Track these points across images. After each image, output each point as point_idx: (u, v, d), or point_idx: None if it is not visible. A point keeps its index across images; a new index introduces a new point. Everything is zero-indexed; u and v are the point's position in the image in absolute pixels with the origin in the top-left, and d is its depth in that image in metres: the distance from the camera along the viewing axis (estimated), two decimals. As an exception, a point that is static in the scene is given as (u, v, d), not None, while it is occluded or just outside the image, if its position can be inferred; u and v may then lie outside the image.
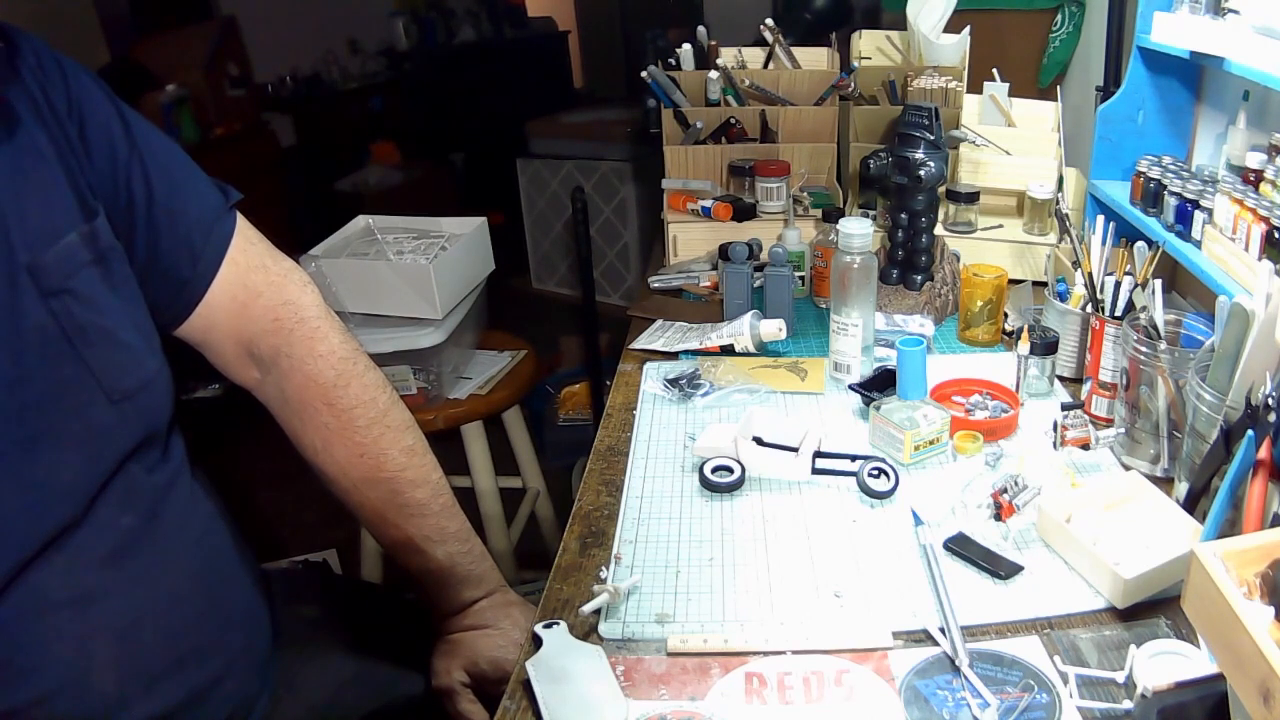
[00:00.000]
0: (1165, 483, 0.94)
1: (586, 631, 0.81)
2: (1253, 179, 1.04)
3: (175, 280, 0.84)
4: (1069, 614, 0.79)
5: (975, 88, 1.60)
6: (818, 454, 0.99)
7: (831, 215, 1.47)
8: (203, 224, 0.84)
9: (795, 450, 0.99)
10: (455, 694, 0.93)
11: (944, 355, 1.29)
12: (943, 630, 0.77)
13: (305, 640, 0.97)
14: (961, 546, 0.87)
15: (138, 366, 0.77)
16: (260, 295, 0.88)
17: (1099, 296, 1.11)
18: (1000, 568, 0.84)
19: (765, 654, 0.76)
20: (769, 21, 1.75)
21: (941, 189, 1.44)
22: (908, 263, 1.41)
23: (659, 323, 1.44)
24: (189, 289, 0.84)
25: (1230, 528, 0.74)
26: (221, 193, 0.87)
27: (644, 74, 1.67)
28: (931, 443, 1.02)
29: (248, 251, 0.88)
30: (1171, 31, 1.15)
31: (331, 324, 0.91)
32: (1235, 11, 1.02)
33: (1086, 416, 1.05)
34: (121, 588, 0.73)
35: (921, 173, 1.30)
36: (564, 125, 3.96)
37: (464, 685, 0.93)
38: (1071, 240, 1.15)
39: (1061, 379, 1.19)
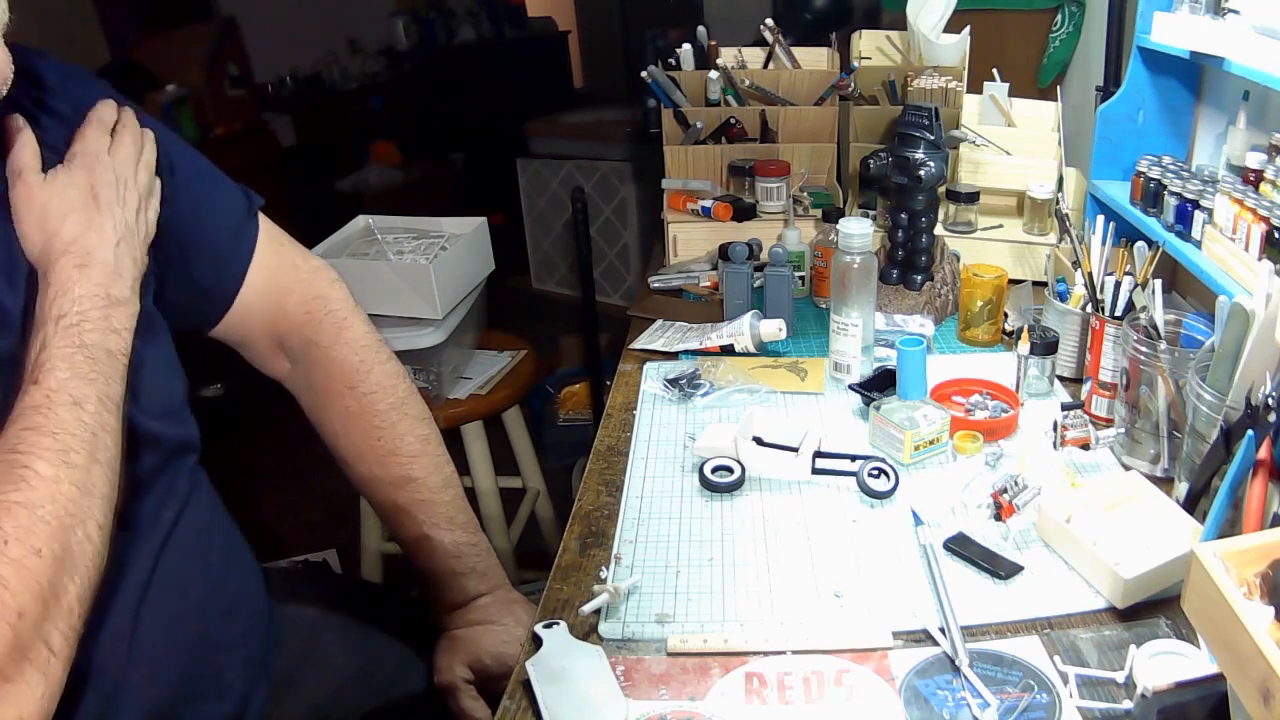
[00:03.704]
0: (1165, 483, 0.94)
1: (586, 631, 0.81)
2: (1253, 179, 1.04)
3: (203, 290, 0.89)
4: (1069, 614, 0.79)
5: (975, 88, 1.60)
6: (818, 454, 0.99)
7: (831, 215, 1.47)
8: (228, 234, 0.89)
9: (795, 450, 0.99)
10: (457, 691, 0.93)
11: (944, 355, 1.29)
12: (943, 630, 0.77)
13: (305, 639, 0.98)
14: (961, 546, 0.87)
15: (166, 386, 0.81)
16: (292, 292, 0.93)
17: (1099, 296, 1.11)
18: (1000, 568, 0.84)
19: (765, 654, 0.76)
20: (769, 21, 1.75)
21: (941, 189, 1.44)
22: (908, 263, 1.41)
23: (659, 323, 1.44)
24: (218, 297, 0.90)
25: (1230, 528, 0.74)
26: (245, 197, 0.92)
27: (644, 74, 1.68)
28: (931, 443, 1.02)
29: (279, 254, 0.93)
30: (1171, 31, 1.15)
31: (357, 315, 0.96)
32: (1235, 11, 1.02)
33: (1086, 416, 1.05)
34: (126, 571, 0.73)
35: (921, 173, 1.30)
36: (564, 125, 3.96)
37: (466, 682, 0.94)
38: (1071, 240, 1.15)
39: (1061, 379, 1.19)
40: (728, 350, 1.30)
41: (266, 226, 0.93)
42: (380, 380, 0.95)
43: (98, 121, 0.77)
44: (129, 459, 0.73)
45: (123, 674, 0.72)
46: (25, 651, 0.54)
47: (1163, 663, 0.70)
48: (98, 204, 0.72)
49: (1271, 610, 0.53)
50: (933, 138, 1.30)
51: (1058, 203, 1.34)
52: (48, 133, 0.75)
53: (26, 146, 0.72)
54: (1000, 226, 1.52)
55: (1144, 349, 0.96)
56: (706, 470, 1.00)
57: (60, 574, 0.57)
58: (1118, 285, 1.08)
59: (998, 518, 0.91)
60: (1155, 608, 0.79)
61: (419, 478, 0.95)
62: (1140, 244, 1.09)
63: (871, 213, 1.56)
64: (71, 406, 0.62)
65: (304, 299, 0.94)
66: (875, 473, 0.97)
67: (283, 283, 0.93)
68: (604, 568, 0.88)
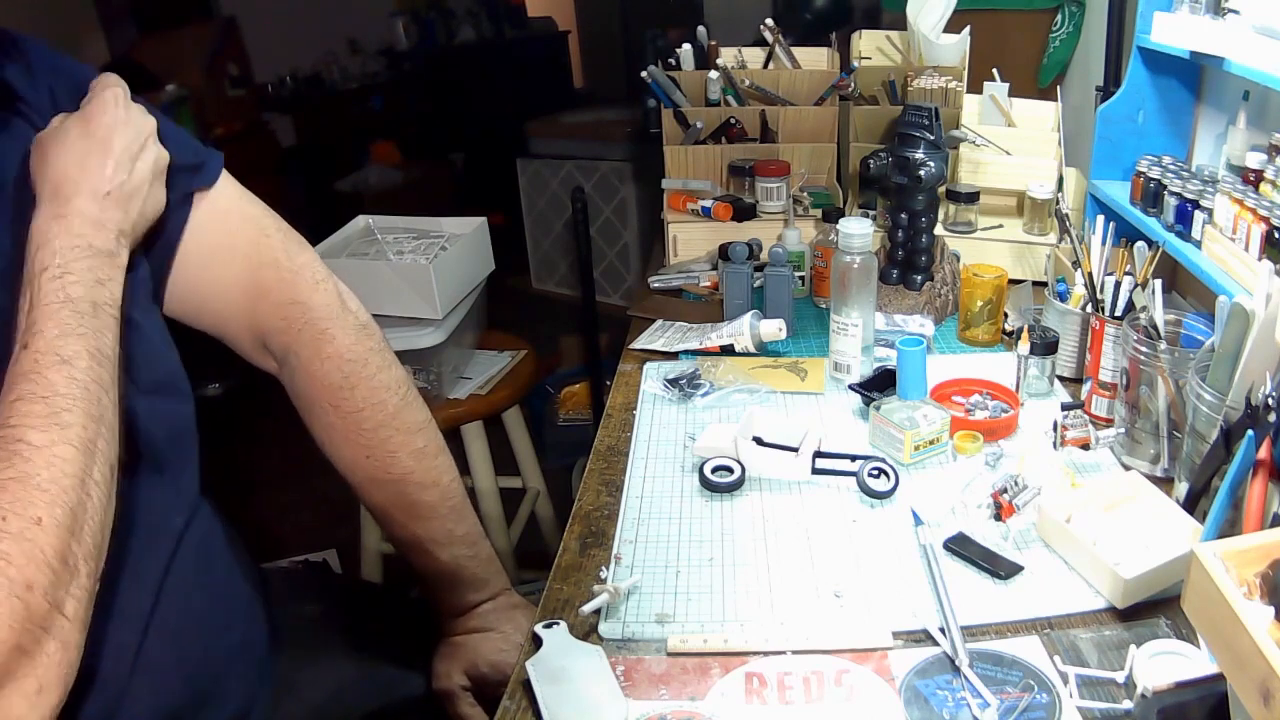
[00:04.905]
0: (1165, 483, 0.94)
1: (586, 631, 0.81)
2: (1253, 179, 1.04)
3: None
4: (1069, 614, 0.79)
5: (975, 88, 1.60)
6: (818, 454, 0.99)
7: (831, 215, 1.47)
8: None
9: (795, 450, 0.99)
10: (455, 697, 0.93)
11: (944, 355, 1.29)
12: (943, 630, 0.77)
13: (305, 640, 0.97)
14: (961, 546, 0.87)
15: (161, 358, 0.78)
16: (270, 292, 0.87)
17: (1099, 296, 1.11)
18: (1000, 568, 0.84)
19: (765, 654, 0.76)
20: (769, 21, 1.75)
21: (941, 189, 1.44)
22: (908, 263, 1.41)
23: (659, 323, 1.44)
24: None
25: (1230, 528, 0.74)
26: (189, 170, 0.83)
27: (644, 74, 1.68)
28: (931, 443, 1.02)
29: (260, 245, 0.86)
30: (1171, 31, 1.15)
31: (342, 325, 0.88)
32: (1235, 11, 1.02)
33: (1086, 416, 1.05)
34: (139, 582, 0.73)
35: (921, 173, 1.30)
36: (564, 125, 3.96)
37: (464, 689, 0.93)
38: (1071, 240, 1.15)
39: (1061, 379, 1.19)
40: (728, 350, 1.30)
41: (251, 214, 0.87)
42: (366, 397, 0.88)
43: (115, 94, 0.75)
44: (129, 455, 0.72)
45: (126, 683, 0.72)
46: (39, 622, 0.53)
47: (1163, 663, 0.70)
48: (106, 147, 0.71)
49: (1271, 610, 0.53)
50: (933, 138, 1.30)
51: (1058, 203, 1.34)
52: (33, 115, 0.74)
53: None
54: (1000, 226, 1.52)
55: (1144, 349, 0.96)
56: (706, 470, 1.00)
57: (65, 538, 0.56)
58: (1118, 285, 1.08)
59: (998, 518, 0.91)
60: (1155, 608, 0.79)
61: (413, 493, 0.91)
62: (1140, 244, 1.09)
63: (871, 213, 1.56)
64: (60, 365, 0.61)
65: (280, 303, 0.86)
66: (875, 473, 0.97)
67: (261, 280, 0.86)
68: (604, 568, 0.88)
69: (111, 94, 0.74)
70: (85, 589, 0.57)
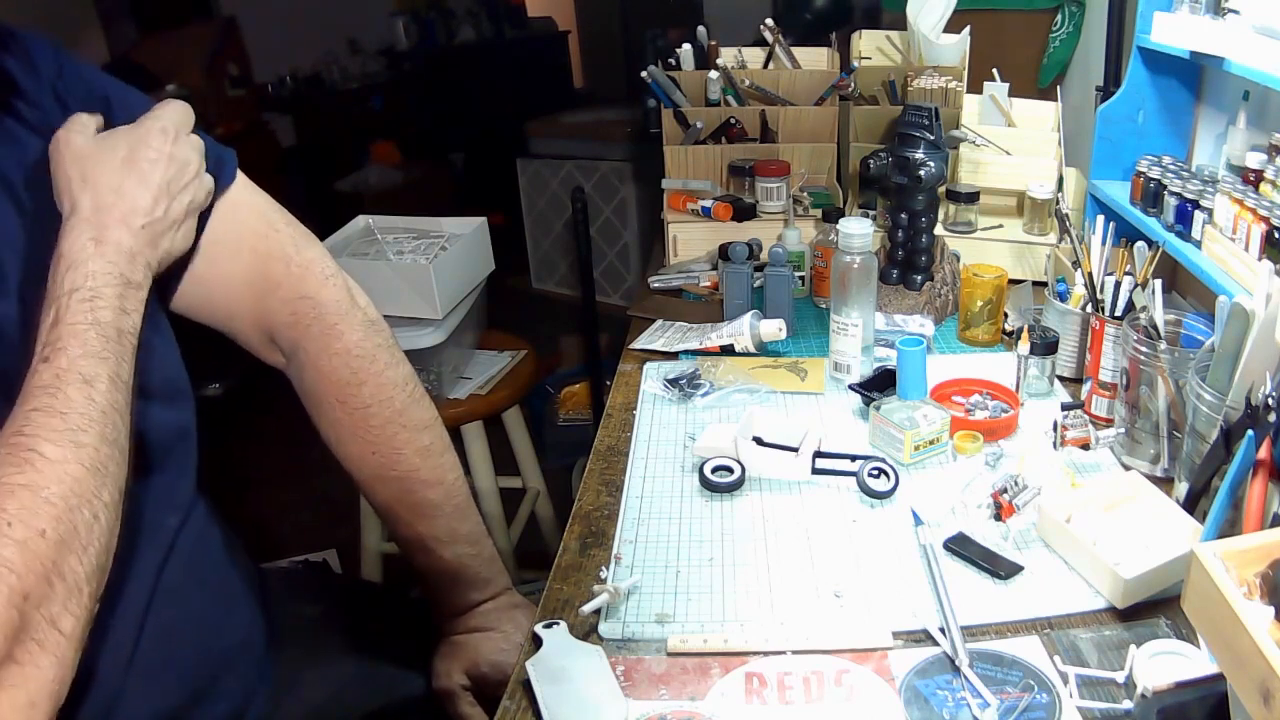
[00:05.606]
0: (1165, 483, 0.94)
1: (586, 631, 0.81)
2: (1253, 179, 1.04)
3: None
4: (1069, 614, 0.79)
5: (975, 88, 1.60)
6: (818, 454, 0.99)
7: (831, 215, 1.47)
8: None
9: (795, 450, 0.99)
10: (455, 696, 0.93)
11: (944, 355, 1.29)
12: (943, 630, 0.77)
13: (305, 640, 0.97)
14: (961, 546, 0.87)
15: (161, 364, 0.78)
16: (279, 287, 0.86)
17: (1099, 296, 1.11)
18: (1000, 568, 0.84)
19: (765, 654, 0.76)
20: (769, 21, 1.75)
21: (941, 189, 1.44)
22: (908, 263, 1.41)
23: (659, 323, 1.44)
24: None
25: (1230, 528, 0.74)
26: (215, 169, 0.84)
27: (644, 74, 1.68)
28: (931, 443, 1.02)
29: (269, 239, 0.86)
30: (1171, 31, 1.15)
31: (351, 320, 0.88)
32: (1235, 11, 1.02)
33: (1086, 416, 1.05)
34: (131, 582, 0.73)
35: (921, 173, 1.30)
36: (564, 125, 3.96)
37: (464, 688, 0.93)
38: (1071, 240, 1.15)
39: (1061, 379, 1.19)
40: (728, 350, 1.30)
41: (259, 208, 0.86)
42: (374, 394, 0.88)
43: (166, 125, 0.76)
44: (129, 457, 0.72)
45: (122, 682, 0.72)
46: (33, 634, 0.53)
47: (1163, 663, 0.70)
48: (148, 179, 0.71)
49: (1271, 610, 0.53)
50: (933, 138, 1.30)
51: (1058, 203, 1.34)
52: (31, 113, 0.73)
53: (82, 117, 0.73)
54: (1000, 226, 1.52)
55: (1144, 349, 0.96)
56: (706, 470, 1.00)
57: (67, 555, 0.56)
58: (1118, 285, 1.08)
59: (998, 518, 0.91)
60: (1155, 608, 0.79)
61: (418, 490, 0.91)
62: (1140, 244, 1.09)
63: (871, 213, 1.56)
64: (82, 385, 0.61)
65: (289, 297, 0.86)
66: (875, 473, 0.97)
67: (269, 274, 0.85)
68: (604, 568, 0.88)
69: (161, 127, 0.75)
70: (85, 609, 0.57)
